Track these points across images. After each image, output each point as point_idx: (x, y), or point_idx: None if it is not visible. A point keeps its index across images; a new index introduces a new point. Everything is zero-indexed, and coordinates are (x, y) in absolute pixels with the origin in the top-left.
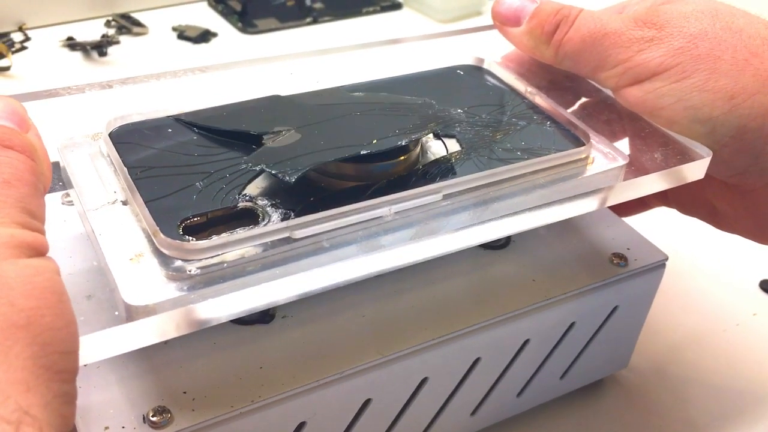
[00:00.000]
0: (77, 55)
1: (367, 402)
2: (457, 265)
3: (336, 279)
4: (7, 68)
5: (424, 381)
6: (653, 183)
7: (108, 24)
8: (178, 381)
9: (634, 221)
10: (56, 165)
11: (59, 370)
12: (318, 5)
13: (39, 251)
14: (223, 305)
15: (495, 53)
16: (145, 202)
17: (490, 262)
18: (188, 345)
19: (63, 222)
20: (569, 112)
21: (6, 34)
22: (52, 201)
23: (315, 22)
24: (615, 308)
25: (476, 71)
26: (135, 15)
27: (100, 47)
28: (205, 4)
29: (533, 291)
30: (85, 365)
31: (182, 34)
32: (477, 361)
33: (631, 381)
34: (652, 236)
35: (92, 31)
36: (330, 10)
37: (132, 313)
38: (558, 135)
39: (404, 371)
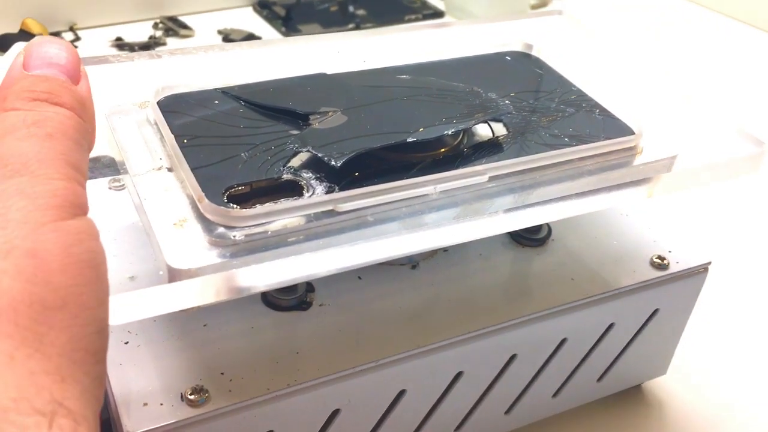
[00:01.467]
0: None
1: (401, 393)
2: (495, 260)
3: (378, 255)
4: None
5: (459, 375)
6: (703, 176)
7: (156, 26)
8: (216, 362)
9: (678, 223)
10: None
11: (94, 352)
12: (361, 12)
13: (81, 209)
14: (264, 273)
15: (544, 40)
16: (192, 169)
17: (529, 259)
18: (226, 327)
19: (109, 206)
20: (620, 101)
21: (58, 34)
22: (100, 186)
23: (357, 28)
24: (655, 311)
25: (525, 58)
26: (182, 18)
27: (147, 48)
28: (250, 9)
29: (572, 289)
30: (126, 343)
31: (227, 37)
32: (513, 357)
33: (669, 388)
34: (696, 238)
35: (140, 32)
36: (372, 17)
37: (174, 275)
38: (607, 123)
39: (439, 363)
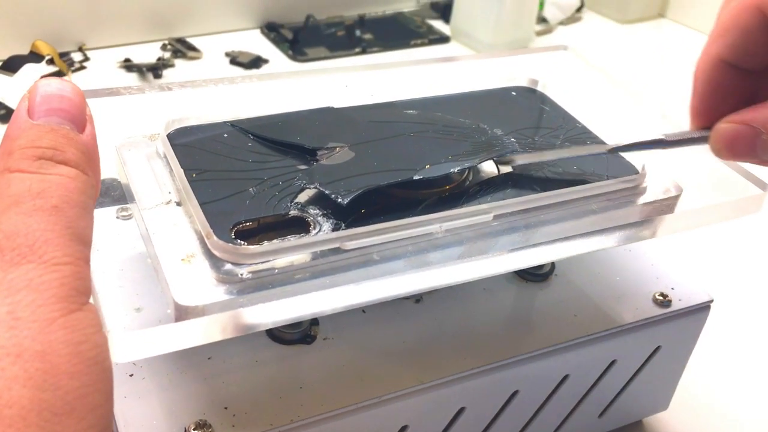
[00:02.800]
0: (133, 76)
1: (403, 429)
2: (499, 295)
3: (384, 293)
4: None
5: (461, 411)
6: (707, 216)
7: (164, 47)
8: (219, 396)
9: (680, 260)
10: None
11: None
12: (367, 36)
13: (85, 295)
14: (271, 311)
15: (549, 76)
16: (200, 204)
17: (532, 294)
18: (231, 361)
19: (117, 236)
20: (625, 139)
21: (67, 54)
22: (107, 215)
23: (364, 52)
24: (657, 348)
25: (530, 93)
26: (190, 40)
27: (155, 69)
28: (258, 31)
29: (574, 326)
30: (131, 375)
31: (234, 59)
32: (515, 394)
33: (670, 424)
34: (698, 276)
35: (148, 53)
36: (379, 41)
37: (182, 313)
38: (611, 161)
39: (442, 399)
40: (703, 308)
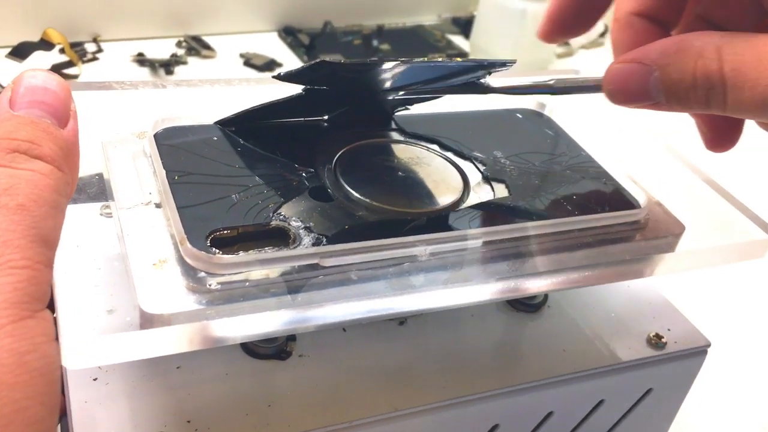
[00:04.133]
0: (145, 70)
1: None
2: (486, 323)
3: (360, 314)
4: (75, 76)
5: None
6: (710, 258)
7: (179, 44)
8: (183, 408)
9: (680, 300)
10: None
11: None
12: (385, 47)
13: (40, 302)
14: (239, 326)
15: (557, 100)
16: (178, 208)
17: (522, 324)
18: (200, 371)
19: (98, 233)
20: (629, 171)
21: (80, 44)
22: (90, 211)
23: None
24: (648, 391)
25: (536, 116)
26: (206, 38)
27: (167, 65)
28: (275, 34)
29: (563, 361)
30: (95, 379)
31: (248, 61)
32: (494, 428)
33: None
34: (696, 319)
35: (163, 49)
36: (396, 53)
37: (146, 321)
38: (613, 193)
39: (417, 429)
40: (700, 352)
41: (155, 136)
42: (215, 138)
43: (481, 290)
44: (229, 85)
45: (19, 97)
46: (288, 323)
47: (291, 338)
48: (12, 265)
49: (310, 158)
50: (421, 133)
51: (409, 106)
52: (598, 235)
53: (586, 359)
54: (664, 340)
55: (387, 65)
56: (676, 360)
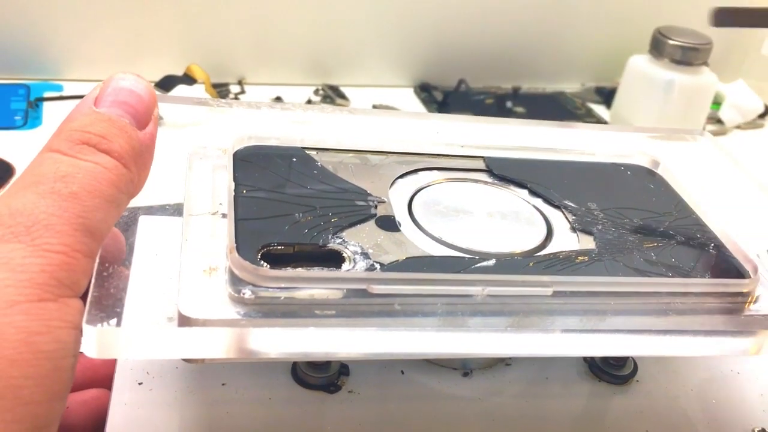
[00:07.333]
0: None
1: None
2: (563, 389)
3: (405, 348)
4: None
5: None
6: None
7: (316, 92)
8: (220, 426)
9: None
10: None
11: None
12: (519, 109)
13: (70, 289)
14: (273, 340)
15: (675, 158)
16: (236, 219)
17: (603, 397)
18: (244, 391)
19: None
20: (744, 239)
21: (226, 84)
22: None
23: None
24: None
25: (646, 173)
26: (343, 89)
27: None
28: (411, 90)
29: None
30: (140, 384)
31: None
32: None
33: None
34: None
35: (300, 95)
36: (530, 117)
37: (181, 322)
38: (719, 260)
39: None
40: None
41: (235, 152)
42: (294, 159)
43: (543, 341)
44: (323, 111)
45: (105, 95)
46: (325, 345)
47: (344, 372)
48: (47, 248)
49: (387, 189)
50: (511, 176)
51: None
52: (692, 302)
53: None
54: None
55: None
56: None
